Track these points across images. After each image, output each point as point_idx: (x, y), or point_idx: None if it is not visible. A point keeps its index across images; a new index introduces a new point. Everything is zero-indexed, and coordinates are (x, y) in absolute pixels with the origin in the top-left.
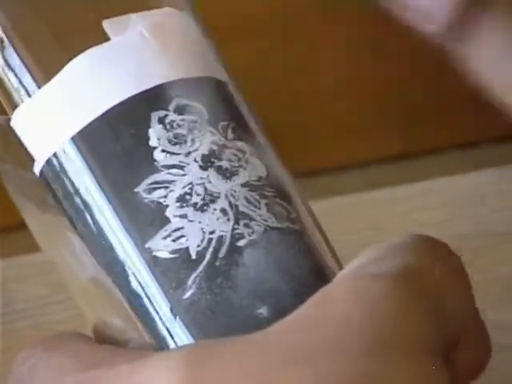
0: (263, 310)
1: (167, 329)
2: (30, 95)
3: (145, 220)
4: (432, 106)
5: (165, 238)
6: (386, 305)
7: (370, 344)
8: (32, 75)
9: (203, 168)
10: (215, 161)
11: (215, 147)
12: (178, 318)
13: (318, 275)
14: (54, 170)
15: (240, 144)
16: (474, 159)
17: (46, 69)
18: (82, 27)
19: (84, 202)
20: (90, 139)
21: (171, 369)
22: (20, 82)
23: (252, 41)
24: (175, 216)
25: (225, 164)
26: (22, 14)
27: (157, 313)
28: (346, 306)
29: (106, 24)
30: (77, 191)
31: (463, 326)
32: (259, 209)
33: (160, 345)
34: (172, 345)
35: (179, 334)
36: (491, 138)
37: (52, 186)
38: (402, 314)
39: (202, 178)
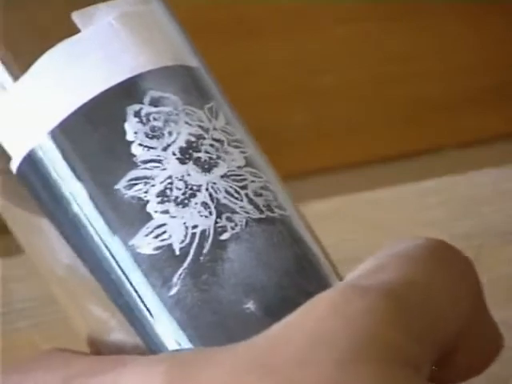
0: (250, 305)
1: (153, 327)
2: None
3: (127, 217)
4: (432, 105)
5: (147, 235)
6: (363, 319)
7: (341, 354)
8: (8, 70)
9: (182, 161)
10: (193, 153)
11: (193, 139)
12: (164, 315)
13: (302, 264)
14: (32, 168)
15: (217, 133)
16: (474, 159)
17: (22, 64)
18: (61, 20)
19: (64, 200)
20: (67, 136)
21: None
22: None
23: (252, 41)
24: (156, 212)
25: (203, 156)
26: None
27: (143, 311)
28: (322, 318)
29: (75, 16)
30: (56, 190)
31: (459, 333)
32: (240, 200)
33: (146, 343)
34: (159, 344)
35: (165, 333)
36: (491, 137)
37: (30, 184)
38: (380, 330)
39: (181, 172)
